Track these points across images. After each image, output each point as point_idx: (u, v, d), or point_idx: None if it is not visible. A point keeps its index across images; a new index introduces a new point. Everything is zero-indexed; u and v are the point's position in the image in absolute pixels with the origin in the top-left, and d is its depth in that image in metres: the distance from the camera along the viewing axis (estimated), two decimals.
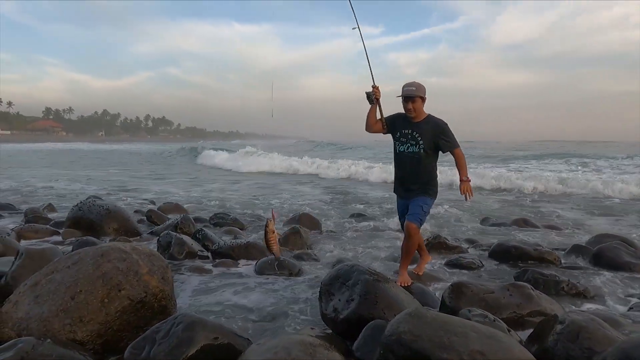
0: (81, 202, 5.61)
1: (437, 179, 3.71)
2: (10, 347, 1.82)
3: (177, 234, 4.47)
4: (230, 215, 6.94)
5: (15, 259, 2.95)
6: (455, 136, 3.57)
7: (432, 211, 8.70)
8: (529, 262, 4.49)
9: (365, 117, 3.69)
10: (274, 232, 3.18)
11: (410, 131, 3.56)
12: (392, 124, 3.66)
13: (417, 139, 3.53)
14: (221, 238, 5.10)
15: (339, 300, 2.53)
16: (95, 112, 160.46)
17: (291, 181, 15.19)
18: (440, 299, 3.00)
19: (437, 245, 5.16)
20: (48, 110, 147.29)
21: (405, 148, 3.57)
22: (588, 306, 3.40)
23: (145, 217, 6.58)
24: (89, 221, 5.16)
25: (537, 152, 28.45)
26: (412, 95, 3.47)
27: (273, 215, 3.27)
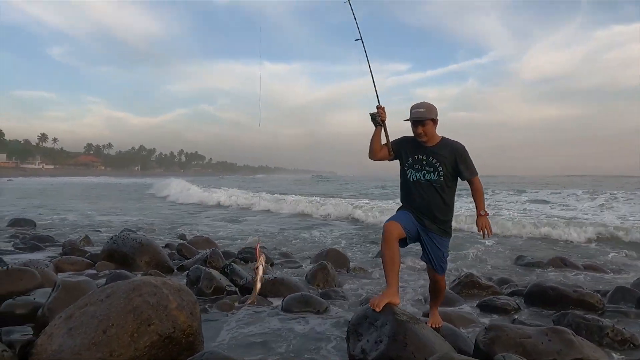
0: (116, 236, 5.79)
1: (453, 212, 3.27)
2: None
3: (206, 269, 4.52)
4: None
5: (52, 290, 3.05)
6: (473, 163, 3.17)
7: (462, 248, 8.60)
8: (569, 305, 4.25)
9: (369, 143, 3.25)
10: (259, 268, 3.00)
11: (425, 156, 3.14)
12: (400, 149, 3.23)
13: (434, 165, 3.10)
14: (249, 273, 5.11)
15: (367, 341, 2.46)
16: (133, 148, 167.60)
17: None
18: (474, 342, 2.87)
19: (469, 284, 4.99)
20: (89, 146, 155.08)
21: (422, 176, 3.14)
22: (636, 355, 3.17)
23: (175, 251, 6.70)
24: (123, 254, 5.29)
25: (572, 188, 27.55)
26: (423, 118, 3.05)
27: (257, 251, 3.11)
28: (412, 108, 3.11)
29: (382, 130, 3.20)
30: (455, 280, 5.23)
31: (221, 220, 14.00)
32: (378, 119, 3.16)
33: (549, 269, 6.51)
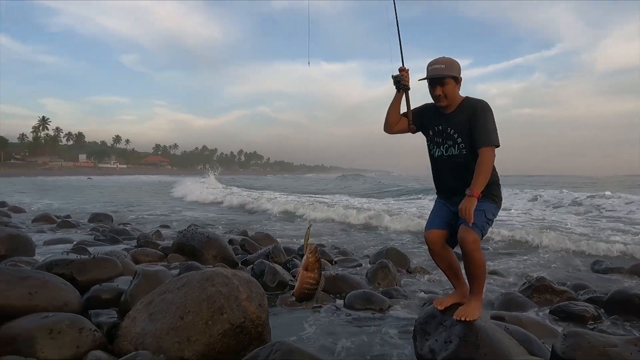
0: (185, 230, 6.11)
1: (498, 182, 2.69)
2: (131, 358, 2.00)
3: (270, 263, 4.64)
4: (318, 248, 7.05)
5: (133, 278, 3.28)
6: (496, 128, 2.52)
7: (527, 253, 8.12)
8: None
9: (386, 114, 2.80)
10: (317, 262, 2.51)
11: (443, 127, 2.63)
12: (421, 119, 2.75)
13: (453, 137, 2.59)
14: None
15: (436, 340, 2.40)
16: (196, 148, 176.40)
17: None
18: (551, 349, 2.70)
19: (540, 288, 4.69)
20: (157, 147, 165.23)
21: (444, 151, 2.65)
22: None
23: (239, 246, 6.95)
24: (191, 247, 5.57)
25: None
26: (442, 75, 2.54)
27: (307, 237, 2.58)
28: (429, 65, 2.62)
29: (404, 96, 2.77)
30: (525, 283, 4.96)
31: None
32: (401, 81, 2.71)
33: (631, 277, 5.98)
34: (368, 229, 11.52)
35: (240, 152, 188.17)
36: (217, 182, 29.43)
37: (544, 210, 15.87)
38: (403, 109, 2.81)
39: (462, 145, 2.58)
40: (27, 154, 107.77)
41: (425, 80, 2.63)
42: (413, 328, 2.72)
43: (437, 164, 2.73)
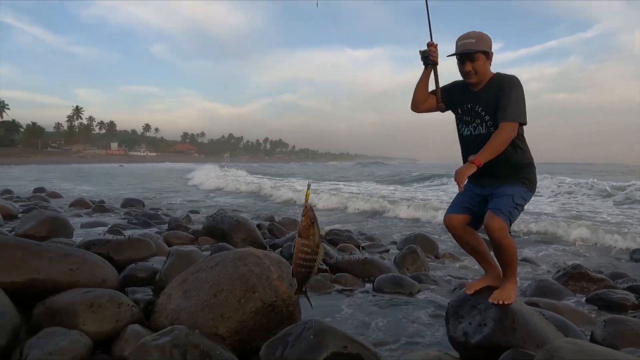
0: (215, 214, 6.21)
1: (532, 164, 2.55)
2: (168, 332, 2.06)
3: None
4: (345, 233, 7.06)
5: (167, 258, 3.36)
6: (523, 104, 2.39)
7: (562, 239, 7.87)
8: None
9: (413, 91, 2.67)
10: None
11: (472, 105, 2.52)
12: (450, 97, 2.64)
13: (481, 115, 2.48)
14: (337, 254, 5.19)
15: (470, 323, 2.36)
16: (223, 136, 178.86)
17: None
18: (590, 336, 2.62)
19: (576, 276, 4.56)
20: (185, 135, 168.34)
21: (472, 130, 2.53)
22: None
23: (267, 231, 7.03)
24: (221, 231, 5.66)
25: None
26: (472, 50, 2.41)
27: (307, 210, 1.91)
28: (458, 40, 2.49)
29: (432, 73, 2.63)
30: (559, 271, 4.82)
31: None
32: (429, 57, 2.57)
33: None
34: (390, 217, 11.47)
35: (266, 140, 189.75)
36: (238, 171, 30.00)
37: (576, 198, 15.37)
38: (431, 86, 2.70)
39: (489, 124, 2.46)
40: (62, 142, 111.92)
41: (454, 58, 2.52)
42: (445, 312, 2.68)
43: (466, 144, 2.62)
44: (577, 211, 11.73)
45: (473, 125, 2.54)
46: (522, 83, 2.44)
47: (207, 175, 26.41)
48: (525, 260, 6.02)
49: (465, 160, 2.60)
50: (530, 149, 2.58)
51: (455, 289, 4.10)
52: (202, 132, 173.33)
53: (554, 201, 14.16)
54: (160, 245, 4.26)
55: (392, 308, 3.48)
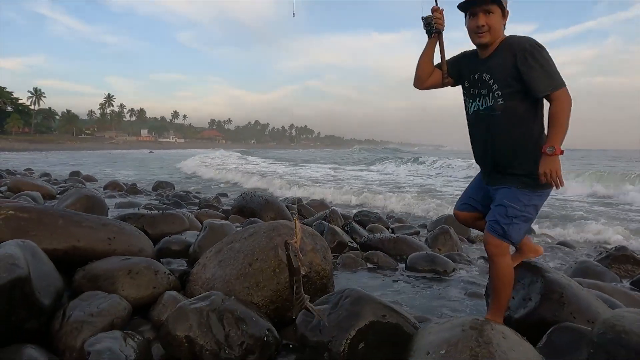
0: (244, 193, 6.26)
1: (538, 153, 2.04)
2: (205, 297, 2.06)
3: (329, 224, 4.63)
4: (374, 213, 6.98)
5: (201, 231, 3.38)
6: (555, 68, 1.95)
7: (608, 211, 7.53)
8: None
9: (416, 65, 2.32)
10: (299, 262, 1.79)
11: (479, 75, 2.12)
12: (459, 68, 2.26)
13: (488, 84, 2.08)
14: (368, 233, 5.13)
15: (513, 297, 2.26)
16: (249, 123, 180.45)
17: None
18: None
19: (620, 258, 4.34)
20: (212, 122, 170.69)
21: (479, 105, 2.14)
22: None
23: (296, 211, 7.03)
24: (251, 209, 5.70)
25: None
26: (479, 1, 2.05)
27: (297, 226, 1.89)
28: None
29: (437, 44, 2.28)
30: (602, 253, 4.61)
31: None
32: (433, 24, 2.22)
33: None
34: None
35: (291, 126, 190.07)
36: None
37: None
38: (437, 59, 2.33)
39: (497, 94, 2.04)
40: (95, 129, 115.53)
41: (463, 16, 2.15)
42: (485, 287, 2.59)
43: (472, 125, 2.24)
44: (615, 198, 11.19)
45: (479, 98, 2.13)
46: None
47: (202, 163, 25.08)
48: (563, 243, 5.80)
49: (472, 147, 2.26)
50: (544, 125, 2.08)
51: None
52: (229, 119, 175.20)
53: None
54: (193, 221, 4.30)
55: (426, 286, 3.41)
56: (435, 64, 2.33)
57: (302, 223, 5.80)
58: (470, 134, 2.27)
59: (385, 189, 13.19)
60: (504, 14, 2.10)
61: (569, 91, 1.97)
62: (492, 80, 2.06)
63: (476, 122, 2.19)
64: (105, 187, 11.11)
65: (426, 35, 2.29)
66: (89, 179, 14.23)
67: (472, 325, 1.60)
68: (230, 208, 6.37)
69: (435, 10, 2.26)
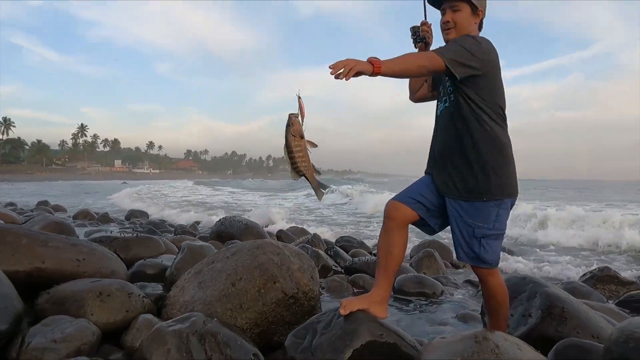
0: (223, 218, 6.05)
1: (505, 164, 1.93)
2: (185, 319, 1.87)
3: (313, 248, 4.48)
4: (356, 239, 6.85)
5: (179, 253, 3.19)
6: (464, 49, 1.86)
7: (589, 234, 7.68)
8: None
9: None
10: (302, 139, 1.91)
11: (445, 78, 2.04)
12: (440, 78, 2.15)
13: (445, 83, 2.04)
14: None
15: (511, 315, 2.16)
16: (226, 153, 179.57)
17: None
18: None
19: (604, 278, 4.33)
20: (188, 152, 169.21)
21: (440, 109, 2.09)
22: None
23: (275, 237, 6.84)
24: (230, 235, 5.49)
25: None
26: None
27: (301, 106, 1.89)
28: None
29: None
30: (586, 274, 4.60)
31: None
32: (419, 34, 2.18)
33: None
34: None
35: (269, 157, 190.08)
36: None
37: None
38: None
39: (450, 89, 1.99)
40: (67, 159, 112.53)
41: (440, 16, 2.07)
42: (480, 308, 2.48)
43: (435, 126, 2.15)
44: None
45: (442, 99, 2.07)
46: (489, 43, 1.95)
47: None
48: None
49: (430, 151, 2.15)
50: (509, 136, 1.98)
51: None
52: (206, 150, 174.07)
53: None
54: (169, 245, 4.08)
55: (416, 309, 3.28)
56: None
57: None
58: (432, 137, 2.17)
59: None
60: (476, 14, 2.04)
61: (442, 61, 1.82)
62: (447, 77, 2.00)
63: (436, 125, 2.12)
64: (75, 217, 10.61)
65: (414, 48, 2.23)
66: (58, 208, 13.60)
67: (485, 336, 1.48)
68: (207, 234, 6.14)
69: (424, 24, 2.24)
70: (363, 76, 1.75)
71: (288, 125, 1.88)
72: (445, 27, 2.03)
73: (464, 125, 1.93)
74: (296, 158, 1.91)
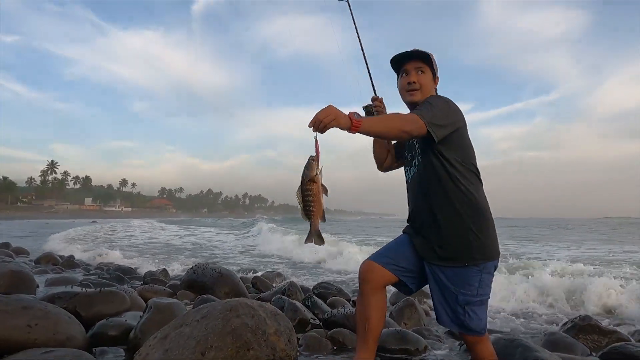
0: (195, 266, 5.77)
1: (485, 226, 1.89)
2: None
3: (289, 299, 4.28)
4: (334, 286, 6.65)
5: (144, 312, 2.95)
6: (438, 110, 1.86)
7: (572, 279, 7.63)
8: None
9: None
10: (316, 183, 1.88)
11: (412, 140, 2.06)
12: (402, 144, 2.22)
13: (415, 147, 2.04)
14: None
15: None
16: (201, 191, 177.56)
17: None
18: None
19: (586, 328, 4.26)
20: (163, 190, 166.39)
21: (411, 173, 2.08)
22: None
23: (250, 284, 6.56)
24: (202, 284, 5.22)
25: None
26: (422, 53, 2.03)
27: (317, 150, 1.85)
28: (397, 54, 2.09)
29: None
30: (567, 323, 4.53)
31: None
32: (373, 112, 2.23)
33: None
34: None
35: (245, 195, 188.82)
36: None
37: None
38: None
39: (419, 151, 2.00)
40: (33, 197, 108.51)
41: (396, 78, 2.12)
42: None
43: (407, 192, 2.15)
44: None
45: (410, 166, 2.09)
46: (453, 103, 1.97)
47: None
48: (516, 314, 5.72)
49: (408, 208, 2.09)
50: (485, 196, 1.96)
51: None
52: (181, 187, 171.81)
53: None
54: (135, 299, 3.81)
55: None
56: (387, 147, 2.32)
57: (259, 298, 5.38)
58: (408, 201, 2.14)
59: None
60: (435, 78, 2.11)
61: (424, 125, 1.81)
62: (417, 142, 2.03)
63: (408, 192, 2.11)
64: (37, 261, 10.01)
65: None
66: (20, 251, 12.83)
67: None
68: (179, 282, 5.83)
69: (375, 99, 2.29)
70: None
71: (306, 168, 1.88)
72: (410, 88, 2.05)
73: (440, 188, 1.90)
74: (308, 201, 1.92)
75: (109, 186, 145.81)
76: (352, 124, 1.68)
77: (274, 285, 6.41)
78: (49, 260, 10.03)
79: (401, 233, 2.17)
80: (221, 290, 5.15)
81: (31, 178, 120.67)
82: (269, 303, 2.78)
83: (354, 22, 2.39)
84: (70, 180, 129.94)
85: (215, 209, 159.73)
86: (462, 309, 1.81)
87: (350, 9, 2.39)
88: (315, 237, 1.98)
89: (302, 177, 1.89)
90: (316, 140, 1.82)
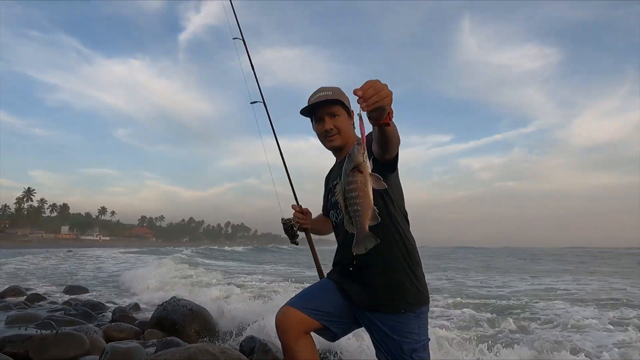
0: (166, 302, 5.55)
1: (420, 262, 1.85)
2: None
3: (261, 339, 4.11)
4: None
5: (100, 357, 2.77)
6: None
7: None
8: None
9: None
10: (361, 173, 1.45)
11: (334, 183, 1.91)
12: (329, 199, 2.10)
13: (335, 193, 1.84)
14: None
15: None
16: (183, 220, 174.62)
17: None
18: None
19: None
20: (143, 218, 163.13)
21: (340, 215, 1.83)
22: None
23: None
24: (172, 321, 5.01)
25: None
26: (330, 100, 1.92)
27: (363, 129, 1.43)
28: (311, 97, 1.99)
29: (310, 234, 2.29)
30: None
31: None
32: (296, 228, 2.21)
33: None
34: None
35: (228, 224, 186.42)
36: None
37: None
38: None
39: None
40: (7, 225, 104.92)
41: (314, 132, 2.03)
42: None
43: (338, 237, 2.01)
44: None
45: (336, 211, 1.95)
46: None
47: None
48: None
49: (337, 253, 1.98)
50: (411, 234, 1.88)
51: None
52: (161, 216, 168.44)
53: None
54: (95, 341, 3.61)
55: None
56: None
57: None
58: (337, 245, 2.03)
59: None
60: (350, 115, 2.00)
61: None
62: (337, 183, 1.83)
63: (341, 230, 1.92)
64: (2, 295, 9.52)
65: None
66: None
67: None
68: (149, 319, 5.58)
69: (296, 209, 2.26)
70: (358, 126, 1.46)
71: (350, 154, 1.44)
72: (328, 135, 1.96)
73: (377, 230, 1.58)
74: (352, 197, 1.43)
75: (87, 214, 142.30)
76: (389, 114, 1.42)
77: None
78: (14, 293, 9.56)
79: (324, 277, 2.05)
80: (191, 328, 4.95)
81: (6, 205, 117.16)
82: (233, 348, 2.64)
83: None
84: (47, 208, 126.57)
85: (196, 238, 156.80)
86: (409, 357, 1.73)
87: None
88: (366, 241, 1.48)
89: (344, 170, 1.45)
90: (360, 118, 1.41)
